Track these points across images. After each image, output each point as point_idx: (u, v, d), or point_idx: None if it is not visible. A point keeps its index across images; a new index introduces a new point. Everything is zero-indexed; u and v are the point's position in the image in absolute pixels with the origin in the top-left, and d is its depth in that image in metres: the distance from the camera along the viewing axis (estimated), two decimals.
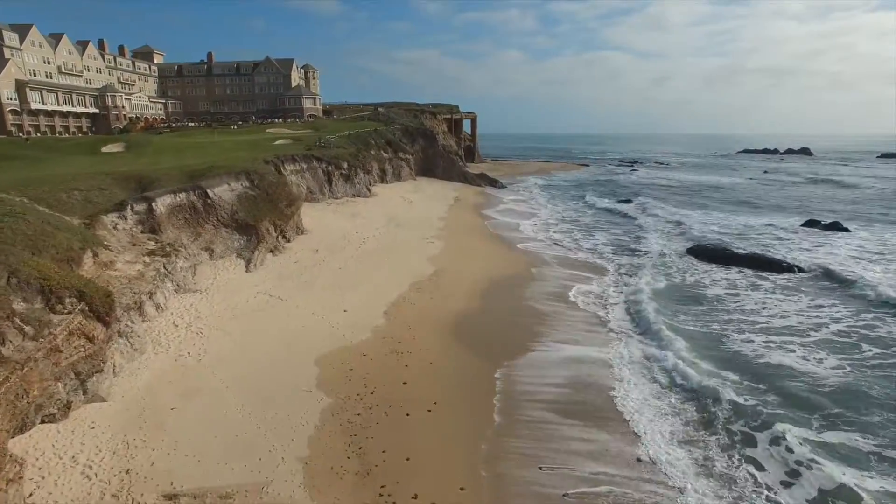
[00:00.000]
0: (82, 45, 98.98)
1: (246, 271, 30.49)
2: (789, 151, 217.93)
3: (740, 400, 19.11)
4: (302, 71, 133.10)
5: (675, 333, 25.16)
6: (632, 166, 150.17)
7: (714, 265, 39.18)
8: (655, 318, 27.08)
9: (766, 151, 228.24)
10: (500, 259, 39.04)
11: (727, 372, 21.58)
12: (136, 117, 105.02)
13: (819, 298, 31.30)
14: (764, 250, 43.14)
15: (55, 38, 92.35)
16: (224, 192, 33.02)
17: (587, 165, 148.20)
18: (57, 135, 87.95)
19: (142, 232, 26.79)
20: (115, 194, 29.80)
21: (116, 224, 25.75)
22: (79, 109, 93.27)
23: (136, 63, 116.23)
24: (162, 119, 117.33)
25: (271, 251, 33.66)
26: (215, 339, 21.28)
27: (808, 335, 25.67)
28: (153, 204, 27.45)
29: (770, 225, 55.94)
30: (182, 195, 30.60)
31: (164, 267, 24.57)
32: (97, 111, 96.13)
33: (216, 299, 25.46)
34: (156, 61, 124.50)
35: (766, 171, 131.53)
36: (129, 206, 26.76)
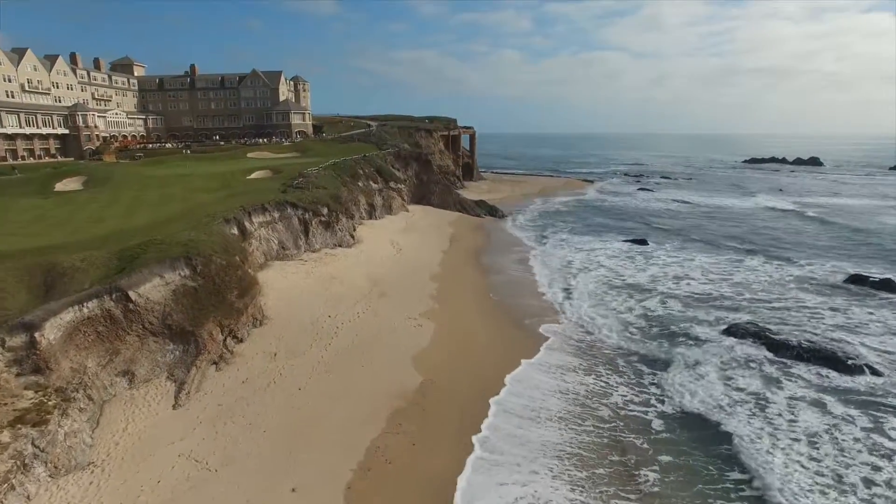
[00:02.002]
0: (50, 60, 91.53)
1: (174, 405, 23.44)
2: (798, 161, 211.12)
3: None
4: (291, 83, 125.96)
5: None
6: (638, 181, 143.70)
7: (756, 355, 32.61)
8: None
9: (773, 161, 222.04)
10: (508, 350, 32.09)
11: None
12: (112, 136, 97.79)
13: None
14: (815, 329, 36.51)
15: (18, 54, 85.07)
16: (154, 289, 25.95)
17: (591, 182, 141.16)
18: (20, 159, 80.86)
19: (18, 375, 19.72)
20: (3, 301, 22.77)
21: None
22: (45, 131, 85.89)
23: (114, 77, 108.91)
24: (141, 136, 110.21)
25: (215, 363, 26.65)
26: None
27: None
28: (37, 334, 20.30)
29: (807, 279, 49.08)
30: (93, 303, 23.54)
31: (35, 443, 17.56)
32: (67, 132, 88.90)
33: (113, 482, 18.37)
34: (136, 74, 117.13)
35: (781, 190, 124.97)
36: None
